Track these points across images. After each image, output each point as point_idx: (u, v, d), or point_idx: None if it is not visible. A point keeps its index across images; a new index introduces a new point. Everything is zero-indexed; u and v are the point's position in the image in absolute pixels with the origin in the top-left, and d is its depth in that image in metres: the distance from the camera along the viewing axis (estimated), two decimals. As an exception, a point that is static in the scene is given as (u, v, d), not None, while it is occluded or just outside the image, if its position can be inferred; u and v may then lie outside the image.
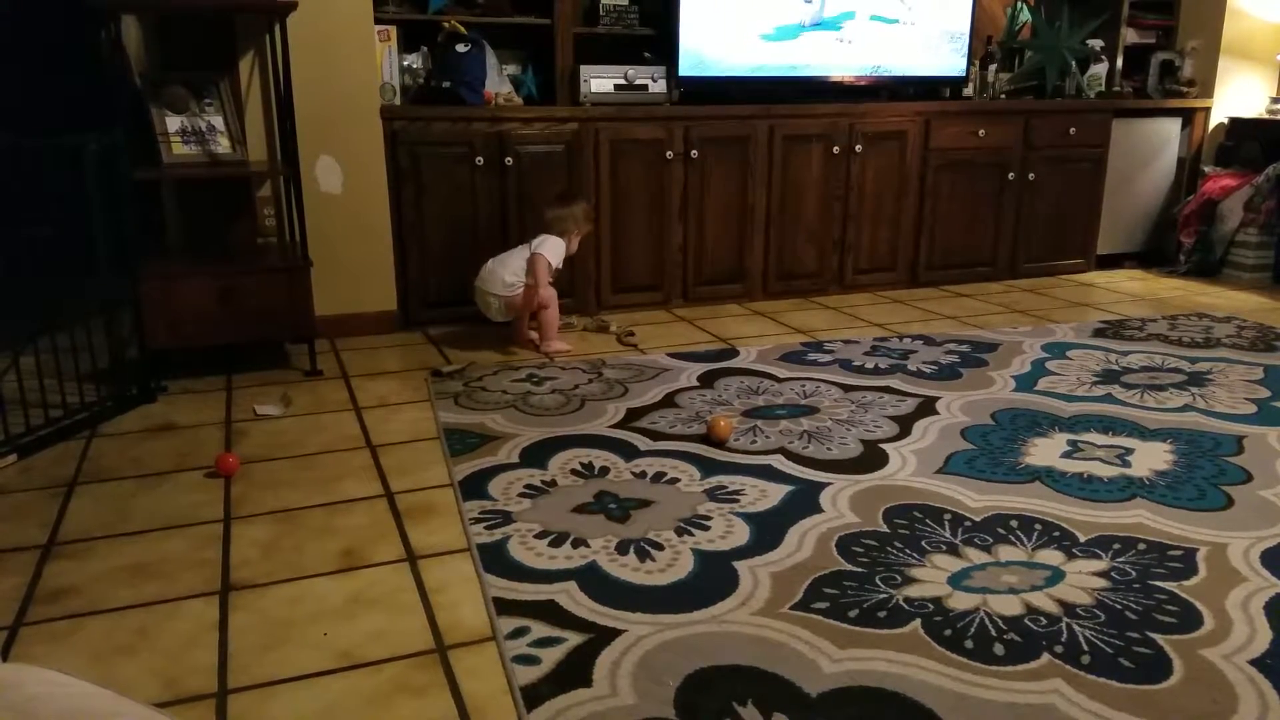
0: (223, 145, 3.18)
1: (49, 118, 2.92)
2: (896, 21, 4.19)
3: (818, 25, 4.08)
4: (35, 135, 2.50)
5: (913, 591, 1.81)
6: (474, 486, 2.29)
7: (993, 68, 4.58)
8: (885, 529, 2.06)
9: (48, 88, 3.59)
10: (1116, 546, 1.98)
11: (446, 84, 3.60)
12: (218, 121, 3.18)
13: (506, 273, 3.30)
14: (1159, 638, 1.67)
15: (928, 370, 3.17)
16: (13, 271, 2.47)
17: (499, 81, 3.71)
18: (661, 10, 3.93)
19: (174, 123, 3.11)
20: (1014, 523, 2.09)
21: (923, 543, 2.00)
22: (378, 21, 3.48)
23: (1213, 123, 4.87)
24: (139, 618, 1.77)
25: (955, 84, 4.45)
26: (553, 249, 3.34)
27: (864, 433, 2.62)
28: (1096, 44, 4.71)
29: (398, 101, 3.59)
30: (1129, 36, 4.86)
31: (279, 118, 3.26)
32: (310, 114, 3.31)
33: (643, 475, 2.35)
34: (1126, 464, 2.41)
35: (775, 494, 2.24)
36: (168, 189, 3.29)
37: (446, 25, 3.63)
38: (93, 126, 2.70)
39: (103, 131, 2.70)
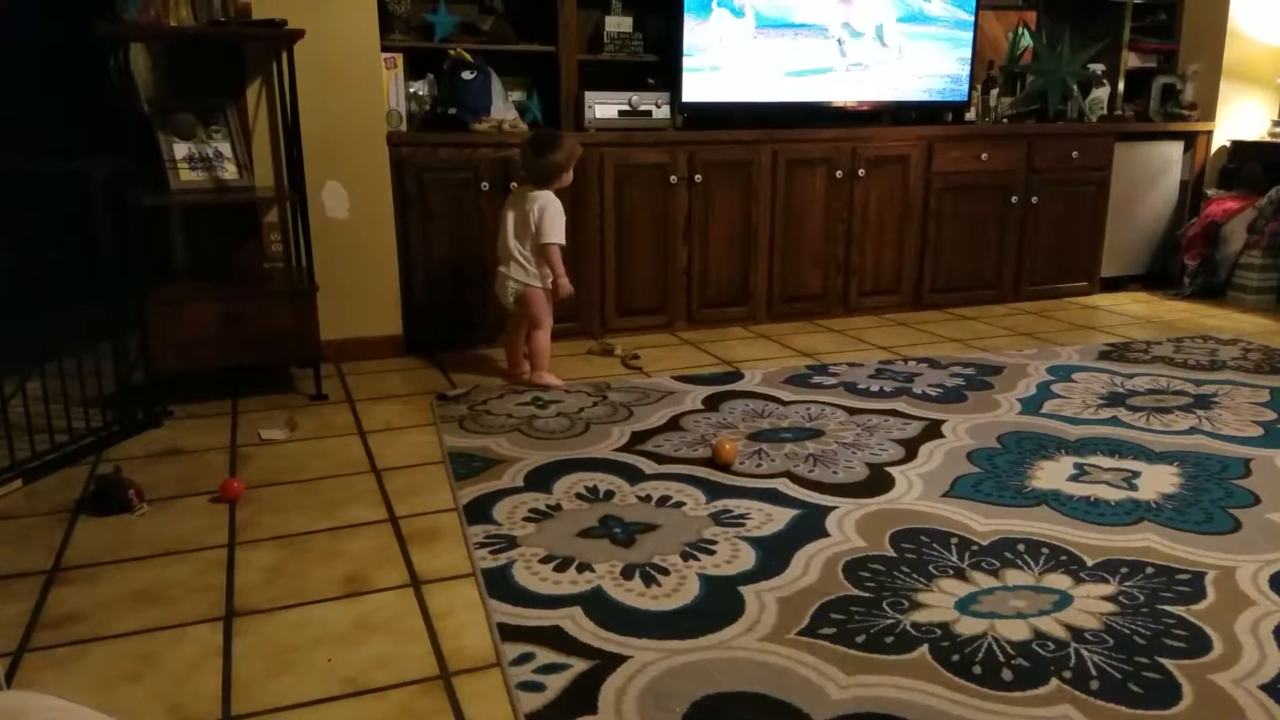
0: (230, 171, 3.20)
1: (57, 143, 2.94)
2: (898, 60, 4.23)
3: (836, 70, 4.13)
4: (43, 160, 2.52)
5: (920, 616, 1.80)
6: (478, 511, 2.28)
7: (994, 92, 4.60)
8: (892, 553, 2.06)
9: (57, 114, 3.62)
10: (1124, 570, 1.97)
11: (452, 110, 3.63)
12: (225, 148, 3.20)
13: (522, 262, 3.19)
14: (1168, 662, 1.65)
15: (933, 393, 3.17)
16: (20, 295, 2.48)
17: (504, 108, 3.73)
18: (665, 37, 3.97)
19: (181, 149, 3.13)
20: (1021, 546, 2.08)
21: (930, 567, 1.99)
22: (384, 49, 3.51)
23: (1215, 145, 4.89)
24: (143, 644, 1.76)
25: (957, 108, 4.48)
26: (556, 218, 3.17)
27: (870, 456, 2.62)
28: (1098, 68, 4.74)
29: (404, 128, 3.61)
30: (1130, 60, 4.88)
31: (286, 144, 3.28)
32: (317, 140, 3.33)
33: (648, 499, 2.34)
34: (1133, 487, 2.40)
35: (781, 518, 2.23)
36: (175, 214, 3.31)
37: (452, 53, 3.66)
38: (100, 152, 2.72)
39: (110, 157, 2.72)
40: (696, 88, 3.93)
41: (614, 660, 1.66)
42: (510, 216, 3.22)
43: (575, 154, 3.26)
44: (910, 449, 2.67)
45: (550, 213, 3.17)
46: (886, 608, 1.83)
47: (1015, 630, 1.75)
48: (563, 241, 3.21)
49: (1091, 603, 1.85)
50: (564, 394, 3.18)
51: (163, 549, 2.14)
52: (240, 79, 3.30)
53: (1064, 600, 1.86)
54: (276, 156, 3.39)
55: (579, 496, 2.36)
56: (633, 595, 1.88)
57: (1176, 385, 3.26)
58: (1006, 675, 1.62)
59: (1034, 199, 4.51)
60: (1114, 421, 2.90)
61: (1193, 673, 1.63)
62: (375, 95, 3.47)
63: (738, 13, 3.93)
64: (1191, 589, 1.90)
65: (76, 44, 3.34)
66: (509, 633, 1.76)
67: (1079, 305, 4.59)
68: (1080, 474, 2.49)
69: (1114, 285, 4.86)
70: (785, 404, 3.07)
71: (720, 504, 2.31)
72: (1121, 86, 4.85)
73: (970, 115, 4.53)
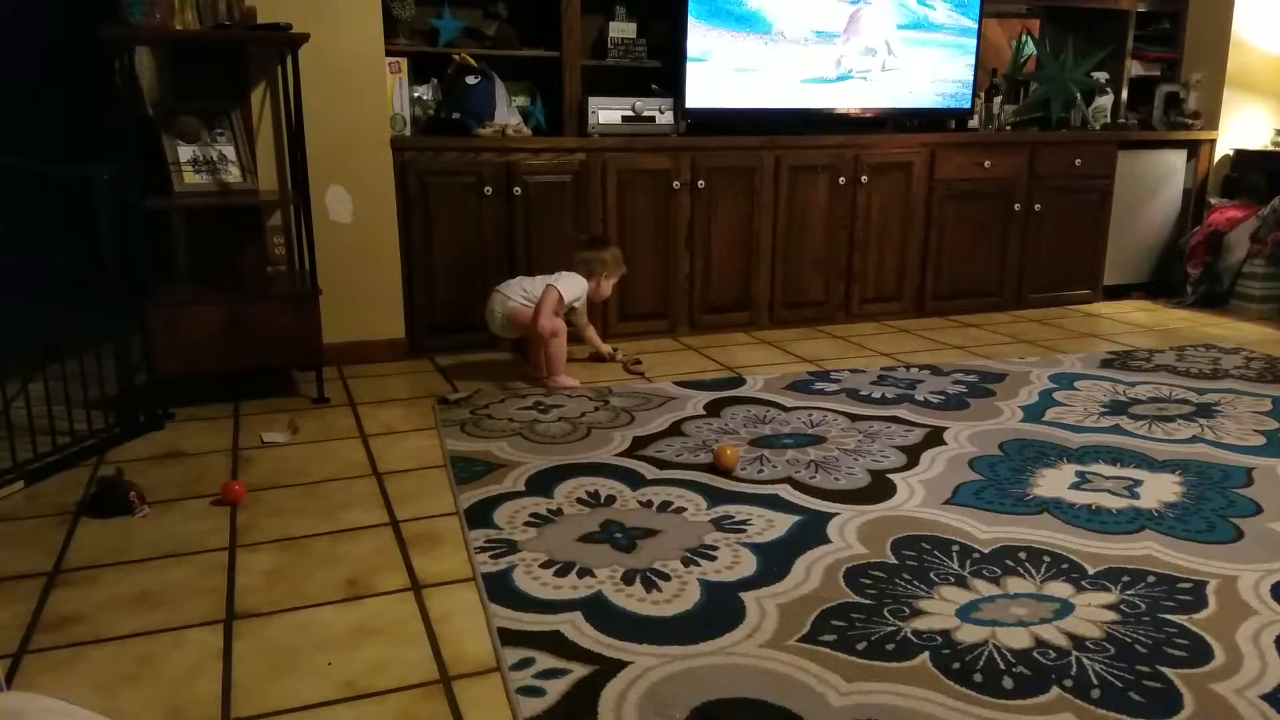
0: (234, 174, 3.21)
1: (62, 146, 2.95)
2: (902, 70, 4.23)
3: (841, 78, 4.14)
4: (47, 163, 2.53)
5: (921, 624, 1.80)
6: (479, 515, 2.28)
7: (998, 99, 4.61)
8: (893, 560, 2.05)
9: (61, 116, 3.63)
10: (1126, 579, 1.97)
11: (456, 115, 3.63)
12: (229, 151, 3.21)
13: (523, 287, 3.32)
14: (1169, 671, 1.65)
15: (935, 400, 3.17)
16: (23, 297, 2.49)
17: (508, 113, 3.74)
18: (668, 43, 3.97)
19: (186, 152, 3.14)
20: (1022, 554, 2.08)
21: (931, 574, 1.99)
22: (388, 54, 3.52)
23: (1218, 154, 4.89)
24: (143, 646, 1.76)
25: (960, 115, 4.48)
26: (569, 284, 3.33)
27: (871, 463, 2.62)
28: (1101, 76, 4.74)
29: (408, 132, 3.62)
30: (1133, 69, 4.89)
31: (290, 147, 3.29)
32: (321, 144, 3.34)
33: (649, 504, 2.34)
34: (1135, 495, 2.40)
35: (782, 524, 2.23)
36: (178, 217, 3.31)
37: (456, 58, 3.67)
38: (105, 155, 2.73)
39: (114, 160, 2.73)
40: (700, 93, 3.93)
41: (614, 666, 1.66)
42: (537, 276, 3.39)
43: (620, 264, 3.50)
44: (912, 456, 2.66)
45: (570, 279, 3.36)
46: (887, 615, 1.83)
47: (1016, 638, 1.75)
48: (565, 298, 3.31)
49: (1093, 611, 1.84)
50: (566, 399, 3.18)
51: (163, 551, 2.14)
52: (245, 82, 3.31)
53: (1065, 608, 1.86)
54: (280, 160, 3.40)
55: (580, 501, 2.36)
56: (633, 601, 1.88)
57: (1179, 394, 3.25)
58: (1007, 683, 1.61)
59: (1037, 206, 4.51)
60: (1116, 430, 2.89)
61: (1194, 682, 1.62)
62: (379, 99, 3.48)
63: (744, 20, 3.94)
64: (1193, 598, 1.89)
65: (81, 47, 3.35)
66: (509, 637, 1.76)
67: (1081, 313, 4.59)
68: (1082, 482, 2.49)
69: (1117, 293, 4.86)
70: (787, 410, 3.06)
71: (721, 510, 2.31)
72: (1125, 94, 4.85)
73: (973, 123, 4.54)
